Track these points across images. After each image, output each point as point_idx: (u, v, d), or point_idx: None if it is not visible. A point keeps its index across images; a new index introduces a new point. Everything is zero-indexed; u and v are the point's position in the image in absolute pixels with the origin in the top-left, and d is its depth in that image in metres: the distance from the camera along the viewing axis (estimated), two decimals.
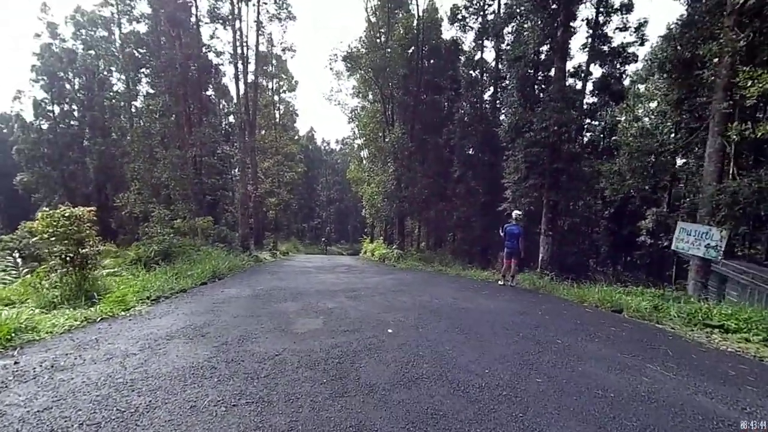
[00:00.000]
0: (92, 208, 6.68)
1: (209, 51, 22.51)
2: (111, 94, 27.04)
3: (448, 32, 24.12)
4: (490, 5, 22.11)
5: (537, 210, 14.93)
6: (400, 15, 22.32)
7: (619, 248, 28.26)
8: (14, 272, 11.30)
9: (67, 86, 31.31)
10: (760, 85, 6.77)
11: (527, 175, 12.61)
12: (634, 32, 17.59)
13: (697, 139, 12.16)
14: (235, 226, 21.70)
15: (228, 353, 3.58)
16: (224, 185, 27.51)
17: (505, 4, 19.23)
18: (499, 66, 21.76)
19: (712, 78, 9.41)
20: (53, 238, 6.23)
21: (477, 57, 23.12)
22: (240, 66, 19.95)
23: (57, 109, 31.59)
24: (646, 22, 17.66)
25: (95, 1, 28.88)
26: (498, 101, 22.24)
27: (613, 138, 21.20)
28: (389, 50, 20.17)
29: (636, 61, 18.89)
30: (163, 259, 11.21)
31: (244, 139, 21.51)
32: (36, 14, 35.02)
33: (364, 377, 3.10)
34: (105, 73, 30.02)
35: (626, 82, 21.49)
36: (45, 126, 31.47)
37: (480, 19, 22.33)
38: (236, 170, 22.11)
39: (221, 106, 35.69)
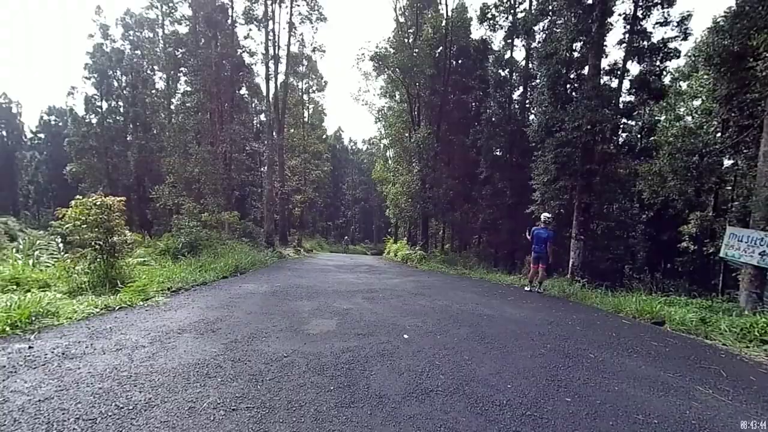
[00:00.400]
0: (122, 198, 6.84)
1: (244, 51, 23.08)
2: (153, 91, 28.26)
3: (477, 32, 23.48)
4: (521, 3, 21.34)
5: (567, 213, 14.22)
6: (429, 14, 21.99)
7: (659, 254, 26.61)
8: (57, 257, 11.94)
9: (115, 83, 33.09)
10: None
11: (557, 177, 11.97)
12: (677, 26, 16.31)
13: (749, 138, 11.15)
14: (262, 222, 22.08)
15: (236, 351, 3.47)
16: (253, 181, 28.09)
17: (538, 0, 18.50)
18: (530, 65, 20.95)
19: (767, 71, 8.52)
20: (84, 226, 6.42)
21: (507, 56, 22.38)
22: (271, 66, 20.27)
23: (105, 105, 33.46)
24: (690, 15, 16.36)
25: (143, 3, 30.33)
26: (528, 101, 21.43)
27: (652, 138, 19.97)
28: (417, 50, 19.89)
29: (678, 57, 17.48)
30: (190, 251, 11.47)
31: (272, 136, 21.85)
32: (90, 16, 37.10)
33: (375, 386, 2.89)
34: (148, 71, 31.47)
35: (667, 80, 20.13)
36: (94, 120, 33.45)
37: (510, 18, 21.58)
38: (265, 167, 22.51)
39: (253, 104, 36.59)
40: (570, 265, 12.50)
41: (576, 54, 14.08)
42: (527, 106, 21.25)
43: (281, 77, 23.72)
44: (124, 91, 33.08)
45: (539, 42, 18.40)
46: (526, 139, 21.12)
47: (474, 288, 8.32)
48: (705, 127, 19.29)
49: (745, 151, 12.68)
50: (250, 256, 12.03)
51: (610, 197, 13.70)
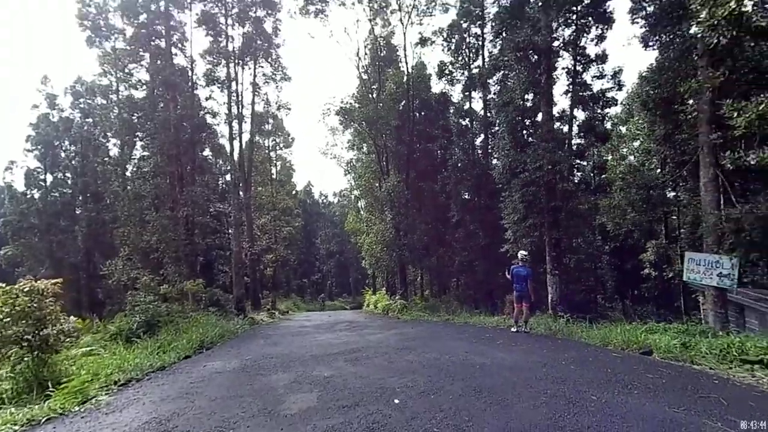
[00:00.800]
0: (57, 281, 6.04)
1: (206, 113, 23.16)
2: (105, 159, 27.30)
3: (437, 86, 25.27)
4: (474, 60, 23.34)
5: (539, 250, 14.43)
6: (391, 71, 23.43)
7: (625, 282, 27.40)
8: None
9: (62, 154, 31.76)
10: (746, 116, 6.66)
11: (526, 215, 12.29)
12: (611, 79, 18.27)
13: (686, 173, 12.10)
14: (231, 287, 20.85)
15: None
16: (220, 245, 26.99)
17: (490, 55, 20.25)
18: (488, 114, 22.43)
19: (695, 113, 9.46)
20: (8, 319, 5.48)
21: (466, 107, 23.96)
22: (235, 126, 20.37)
23: (50, 178, 31.78)
24: (621, 69, 18.41)
25: (95, 71, 30.29)
26: (489, 147, 22.63)
27: (603, 176, 21.42)
28: (381, 104, 20.82)
29: (616, 105, 19.40)
30: (147, 330, 10.31)
31: (238, 196, 21.45)
32: (36, 86, 36.40)
33: None
34: (101, 138, 30.59)
35: (608, 125, 22.17)
36: (36, 195, 31.41)
37: (466, 72, 23.43)
38: (232, 229, 21.80)
39: (218, 165, 36.32)
40: (549, 301, 12.41)
41: (529, 103, 15.17)
42: (489, 151, 22.38)
43: (246, 136, 23.89)
44: (73, 162, 31.76)
45: (495, 93, 19.85)
46: (492, 182, 21.95)
47: (460, 335, 7.90)
48: (646, 164, 21.01)
49: (683, 184, 13.72)
50: (217, 327, 11.02)
51: (576, 231, 14.15)
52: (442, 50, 22.93)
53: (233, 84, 20.09)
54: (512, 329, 8.00)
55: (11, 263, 31.25)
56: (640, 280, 24.55)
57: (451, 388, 4.05)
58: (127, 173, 23.44)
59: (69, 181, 31.74)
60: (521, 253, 7.83)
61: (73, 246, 30.08)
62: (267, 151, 36.21)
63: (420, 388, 4.13)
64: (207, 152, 32.56)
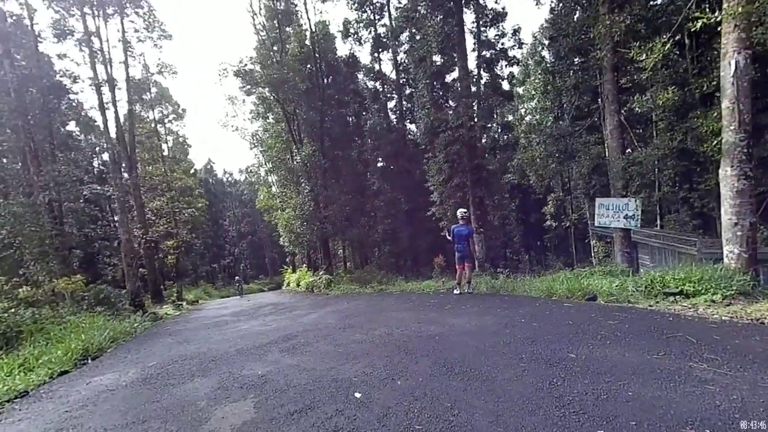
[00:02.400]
0: None
1: (63, 75, 18.47)
2: None
3: (343, 47, 24.01)
4: (380, 18, 22.36)
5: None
6: (291, 30, 21.27)
7: (530, 235, 30.69)
8: None
9: None
10: (654, 56, 7.15)
11: (451, 175, 12.31)
12: (512, 37, 19.13)
13: (587, 124, 13.26)
14: (124, 281, 17.66)
15: None
16: (104, 234, 22.68)
17: (398, 10, 19.52)
18: (400, 76, 22.00)
19: (600, 61, 10.11)
20: None
21: (376, 68, 23.14)
22: (106, 93, 16.61)
23: None
24: (519, 28, 19.43)
25: None
26: (405, 110, 22.38)
27: (507, 135, 22.91)
28: (285, 66, 18.79)
29: (518, 64, 20.58)
30: (3, 346, 7.98)
31: (121, 175, 17.91)
32: None
33: None
34: None
35: (508, 85, 23.58)
36: None
37: (373, 32, 22.41)
38: (117, 215, 18.17)
39: (89, 142, 30.15)
40: (475, 260, 12.88)
41: (440, 62, 14.90)
42: (404, 114, 22.11)
43: (124, 106, 19.83)
44: None
45: (405, 53, 19.30)
46: (410, 146, 21.90)
47: (403, 304, 7.47)
48: (544, 121, 23.00)
49: (586, 135, 15.10)
50: (107, 330, 9.00)
51: (496, 189, 14.78)
52: (347, 5, 21.47)
53: (96, 41, 16.16)
54: (455, 291, 7.78)
55: None
56: (543, 231, 27.62)
57: (417, 368, 3.50)
58: None
59: None
60: (460, 211, 7.55)
61: None
62: (153, 125, 31.07)
63: (381, 374, 3.49)
64: (73, 127, 26.61)
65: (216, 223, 50.40)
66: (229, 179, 58.65)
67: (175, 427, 2.86)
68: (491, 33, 18.50)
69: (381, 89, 22.77)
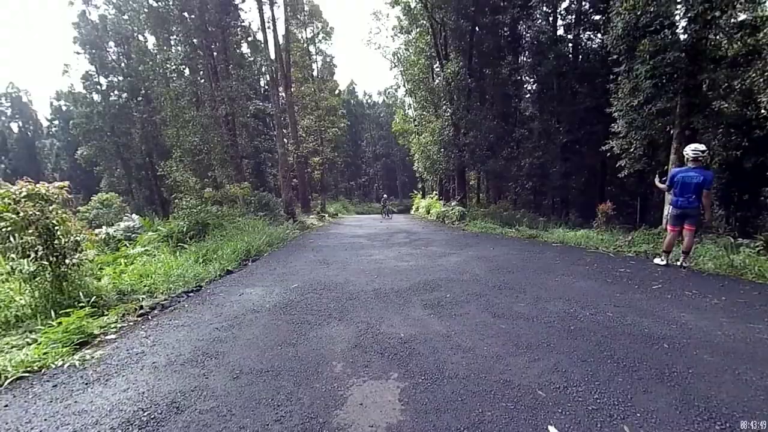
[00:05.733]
0: (62, 184, 4.75)
1: None
2: (144, 58, 25.53)
3: None
4: None
5: (654, 146, 11.12)
6: None
7: (741, 187, 22.74)
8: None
9: (109, 56, 30.53)
10: None
11: (654, 95, 8.86)
12: None
13: None
14: (280, 191, 20.08)
15: None
16: (267, 147, 25.81)
17: None
18: None
19: None
20: (9, 228, 4.40)
21: None
22: (267, 11, 17.15)
23: (104, 81, 31.21)
24: None
25: None
26: (582, 12, 17.35)
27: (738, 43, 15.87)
28: None
29: None
30: (196, 234, 9.64)
31: (277, 93, 19.16)
32: None
33: None
34: (139, 37, 28.52)
35: None
36: (97, 98, 31.27)
37: None
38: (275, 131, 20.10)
39: (257, 63, 33.38)
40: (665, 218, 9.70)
41: None
42: (581, 19, 17.24)
43: (281, 26, 20.56)
44: (122, 64, 30.53)
45: None
46: (584, 62, 17.41)
47: (575, 266, 5.70)
48: None
49: None
50: (265, 233, 10.08)
51: (716, 120, 10.21)
52: None
53: None
54: (658, 261, 5.58)
55: (89, 162, 33.07)
56: (762, 183, 20.08)
57: (650, 401, 2.17)
58: (168, 72, 21.69)
59: (120, 84, 30.95)
60: (693, 148, 4.97)
61: (137, 147, 30.62)
62: (305, 44, 32.18)
63: (580, 389, 2.30)
64: (245, 49, 29.45)
65: (355, 143, 53.26)
66: (369, 101, 59.82)
67: (307, 398, 2.32)
68: None
69: None
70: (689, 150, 5.01)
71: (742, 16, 10.73)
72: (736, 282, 4.59)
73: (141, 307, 4.46)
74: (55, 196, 4.71)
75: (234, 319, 3.84)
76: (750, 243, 5.66)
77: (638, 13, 8.56)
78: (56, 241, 4.46)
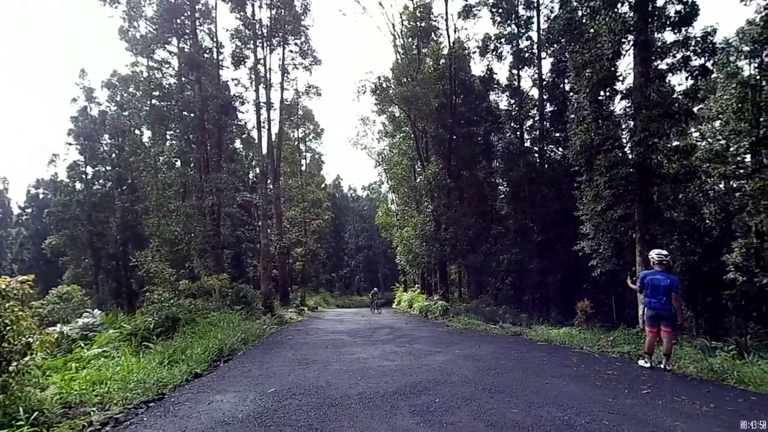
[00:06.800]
0: (27, 278, 4.48)
1: (234, 99, 21.89)
2: (137, 150, 26.85)
3: (478, 66, 22.97)
4: (524, 32, 20.68)
5: (620, 247, 11.83)
6: (429, 49, 21.26)
7: (700, 289, 23.69)
8: None
9: (101, 147, 31.91)
10: None
11: (613, 204, 9.81)
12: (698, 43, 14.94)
13: None
14: (259, 282, 19.57)
15: None
16: (249, 237, 25.87)
17: (548, 20, 17.49)
18: (543, 92, 19.82)
19: None
20: None
21: (514, 85, 21.40)
22: (264, 113, 18.99)
23: (90, 171, 32.02)
24: (714, 30, 15.08)
25: (128, 61, 29.79)
26: (545, 130, 19.95)
27: (683, 162, 18.29)
28: (419, 85, 18.64)
29: (705, 76, 16.02)
30: (164, 331, 8.96)
31: (265, 186, 20.05)
32: (74, 80, 36.58)
33: None
34: (135, 131, 30.35)
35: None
36: (79, 187, 31.69)
37: (515, 47, 20.82)
38: (260, 221, 20.52)
39: (249, 158, 35.39)
40: (641, 319, 9.89)
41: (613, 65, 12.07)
42: (544, 135, 19.71)
43: (275, 125, 22.46)
44: (112, 155, 31.82)
45: (567, 54, 16.79)
46: (547, 170, 19.36)
47: (563, 368, 5.51)
48: (732, 149, 17.66)
49: None
50: (241, 329, 9.51)
51: (671, 227, 11.19)
52: (491, 18, 20.31)
53: (261, 68, 18.65)
54: (642, 363, 5.58)
55: (56, 252, 31.86)
56: (720, 286, 20.99)
57: None
58: (159, 163, 22.71)
59: (107, 173, 31.84)
60: (657, 253, 5.37)
61: (111, 236, 30.10)
62: (296, 142, 34.90)
63: None
64: (238, 144, 31.64)
65: (338, 234, 54.08)
66: (353, 195, 62.76)
67: None
68: (669, 36, 14.81)
69: (518, 108, 20.87)
70: (654, 254, 5.41)
71: (676, 142, 12.67)
72: (720, 387, 4.54)
73: (90, 423, 3.90)
74: (15, 292, 4.38)
75: None
76: (723, 346, 5.78)
77: (591, 134, 9.94)
78: (2, 344, 4.02)
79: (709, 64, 11.68)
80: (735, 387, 4.56)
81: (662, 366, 5.32)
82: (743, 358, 5.39)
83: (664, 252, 5.39)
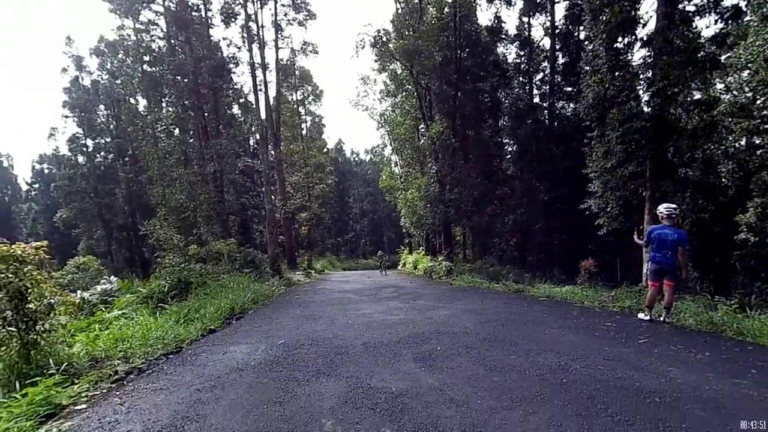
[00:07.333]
0: (40, 244, 4.62)
1: (228, 59, 21.08)
2: (134, 119, 26.44)
3: (483, 17, 21.69)
4: None
5: (628, 206, 11.67)
6: None
7: (710, 250, 23.63)
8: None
9: (98, 118, 31.43)
10: None
11: (624, 160, 9.58)
12: None
13: None
14: (266, 247, 19.92)
15: None
16: (254, 204, 26.01)
17: None
18: (555, 42, 18.82)
19: None
20: None
21: (524, 35, 20.27)
22: (259, 74, 18.37)
23: (91, 143, 31.76)
24: None
25: (114, 26, 28.55)
26: (556, 83, 19.15)
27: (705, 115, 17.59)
28: (421, 37, 17.72)
29: (737, 19, 14.84)
30: (177, 294, 9.31)
31: (266, 151, 19.83)
32: (61, 49, 35.23)
33: None
34: (130, 99, 29.69)
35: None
36: (81, 160, 31.58)
37: None
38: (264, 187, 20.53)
39: (247, 123, 34.77)
40: (644, 275, 9.96)
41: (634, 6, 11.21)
42: (554, 89, 18.97)
43: (273, 87, 21.82)
44: (110, 126, 31.38)
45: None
46: (557, 127, 18.83)
47: (562, 320, 5.73)
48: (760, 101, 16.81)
49: None
50: (250, 290, 9.82)
51: (684, 184, 10.94)
52: None
53: (253, 25, 17.75)
54: (642, 316, 5.64)
55: (68, 225, 32.39)
56: (731, 246, 20.92)
57: None
58: (157, 132, 22.44)
59: (108, 145, 31.56)
60: (666, 207, 5.31)
61: (119, 207, 30.42)
62: (295, 105, 34.05)
63: None
64: (236, 110, 30.93)
65: (342, 199, 54.20)
66: (356, 159, 62.13)
67: None
68: None
69: (527, 60, 19.92)
70: (662, 208, 5.35)
71: (697, 95, 12.04)
72: (717, 338, 4.64)
73: (116, 373, 4.16)
74: (31, 257, 4.54)
75: (217, 379, 3.64)
76: (726, 301, 5.85)
77: (606, 86, 9.53)
78: (28, 305, 4.24)
79: (742, 4, 10.85)
80: (733, 338, 4.64)
81: (662, 318, 5.41)
82: (744, 312, 5.46)
83: (673, 206, 5.32)
